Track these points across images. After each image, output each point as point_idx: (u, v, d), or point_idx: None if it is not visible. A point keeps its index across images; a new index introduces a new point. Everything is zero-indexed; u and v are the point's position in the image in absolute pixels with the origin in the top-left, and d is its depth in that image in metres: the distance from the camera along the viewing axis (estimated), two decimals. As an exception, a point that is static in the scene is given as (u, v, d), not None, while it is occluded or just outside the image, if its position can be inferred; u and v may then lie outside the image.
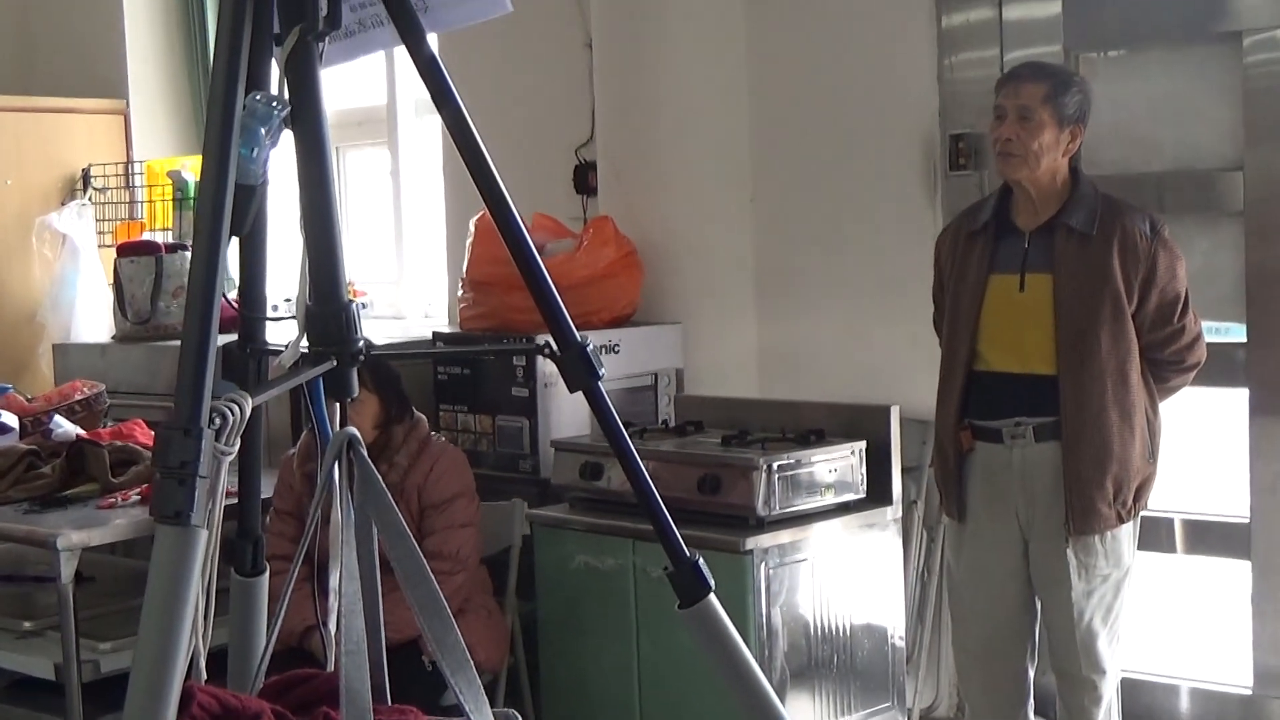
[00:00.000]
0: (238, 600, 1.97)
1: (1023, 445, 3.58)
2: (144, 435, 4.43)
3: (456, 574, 3.91)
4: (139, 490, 4.06)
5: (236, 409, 1.59)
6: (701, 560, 1.97)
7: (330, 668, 1.94)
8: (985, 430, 3.63)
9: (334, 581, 1.86)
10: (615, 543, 4.07)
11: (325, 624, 1.94)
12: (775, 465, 3.90)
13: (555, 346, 1.92)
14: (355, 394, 1.83)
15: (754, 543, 3.84)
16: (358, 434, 1.81)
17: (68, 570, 3.70)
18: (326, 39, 1.81)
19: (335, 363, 1.77)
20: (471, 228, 4.77)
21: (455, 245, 5.23)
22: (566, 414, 4.52)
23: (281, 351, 1.86)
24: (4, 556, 4.88)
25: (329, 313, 1.79)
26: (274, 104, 1.72)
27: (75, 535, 3.75)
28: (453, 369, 4.68)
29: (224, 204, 1.61)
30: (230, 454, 1.59)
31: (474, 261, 4.71)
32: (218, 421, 1.57)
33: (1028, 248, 3.59)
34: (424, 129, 5.91)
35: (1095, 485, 3.50)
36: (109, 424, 4.63)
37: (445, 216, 5.53)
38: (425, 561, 1.79)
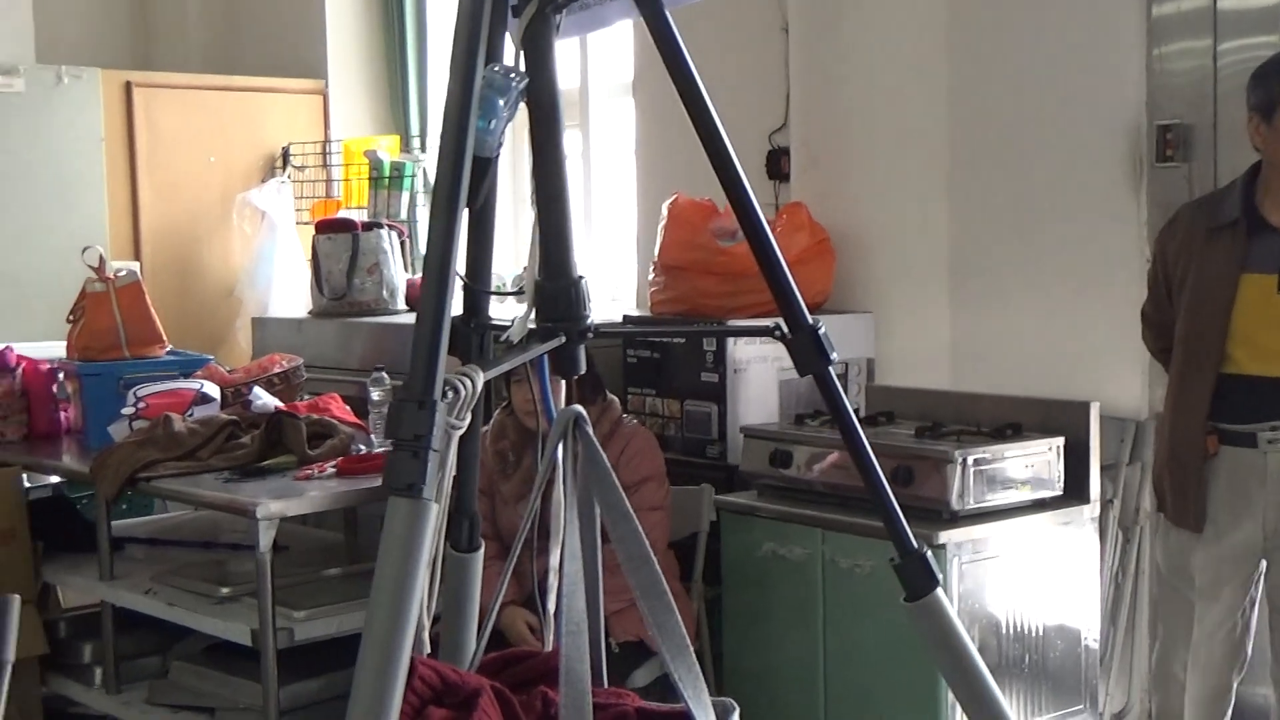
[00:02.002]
0: (453, 576, 1.97)
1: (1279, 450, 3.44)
2: (339, 409, 4.49)
3: (645, 557, 3.89)
4: (334, 463, 4.11)
5: (469, 382, 1.58)
6: (930, 553, 1.92)
7: (547, 647, 1.93)
8: (1235, 435, 3.47)
9: (553, 560, 1.84)
10: (803, 532, 4.03)
11: (544, 604, 1.93)
12: (970, 459, 3.83)
13: (785, 328, 1.88)
14: (582, 371, 1.81)
15: (947, 537, 3.76)
16: (584, 412, 1.79)
17: (266, 539, 3.75)
18: (563, 11, 1.80)
19: (564, 339, 1.76)
20: (664, 211, 4.75)
21: (646, 229, 5.22)
22: (755, 400, 4.49)
23: (505, 327, 1.84)
24: (199, 523, 5.01)
25: (559, 288, 1.78)
26: (512, 76, 1.71)
27: (274, 505, 3.79)
28: (642, 352, 4.67)
29: (462, 176, 1.60)
30: (461, 428, 1.58)
31: (666, 246, 4.70)
32: (450, 395, 1.56)
33: None
34: (616, 112, 5.91)
35: None
36: (305, 397, 4.71)
37: (636, 200, 5.52)
38: (648, 544, 1.77)
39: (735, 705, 1.81)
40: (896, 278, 4.77)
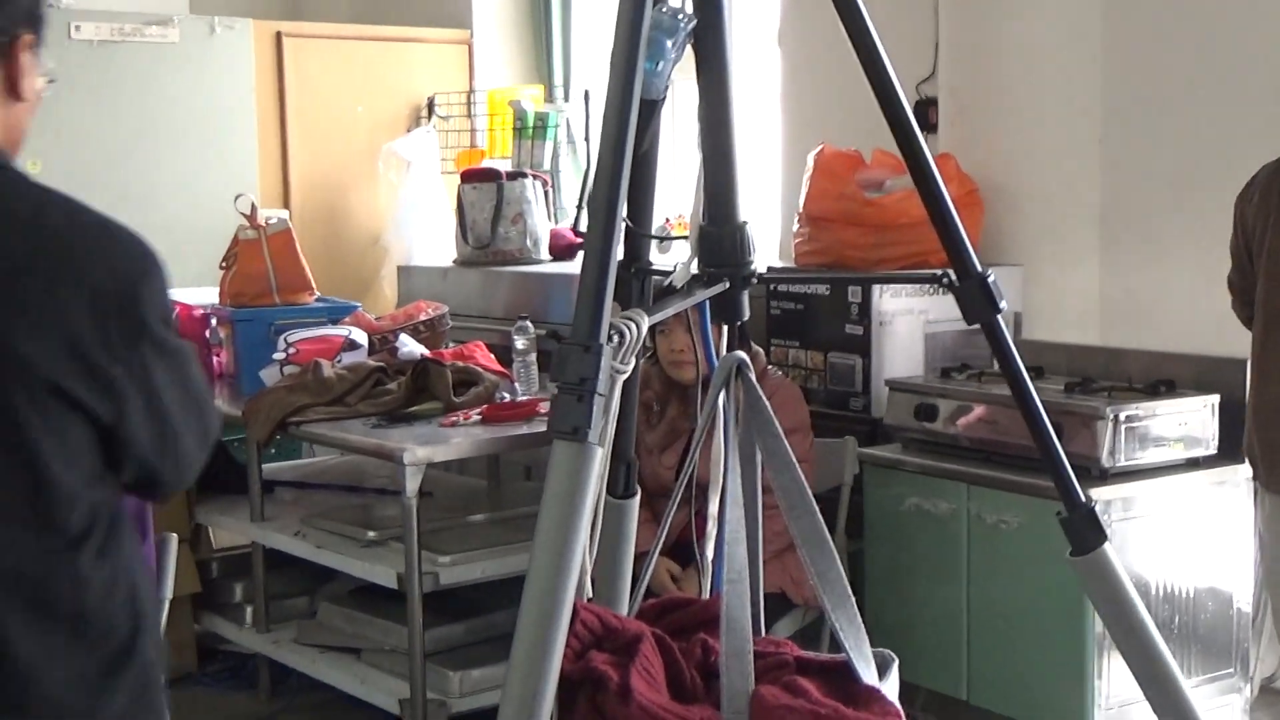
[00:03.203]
0: (610, 522, 1.96)
1: None
2: (483, 357, 4.53)
3: (788, 509, 3.88)
4: (479, 410, 4.15)
5: (634, 327, 1.57)
6: (1098, 507, 1.88)
7: (704, 594, 1.93)
8: None
9: (713, 508, 1.84)
10: (949, 486, 3.99)
11: (702, 551, 1.93)
12: (1122, 415, 3.76)
13: (954, 276, 1.85)
14: (746, 317, 1.80)
15: (1096, 494, 3.69)
16: (747, 359, 1.78)
17: (412, 484, 3.79)
18: (731, -48, 1.77)
19: (728, 285, 1.74)
20: (809, 162, 4.70)
21: (790, 180, 5.17)
22: (900, 353, 4.44)
23: (665, 272, 1.83)
24: (345, 467, 5.09)
25: (723, 233, 1.76)
26: (680, 17, 1.69)
27: (420, 451, 3.83)
28: (786, 304, 4.64)
29: (629, 118, 1.58)
30: (625, 372, 1.57)
31: (811, 196, 4.65)
32: (615, 339, 1.55)
33: None
34: (758, 61, 5.85)
35: None
36: (450, 345, 4.75)
37: (780, 151, 5.47)
38: (810, 492, 1.75)
39: (895, 657, 1.79)
40: (1046, 230, 4.68)
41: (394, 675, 4.11)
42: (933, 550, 4.03)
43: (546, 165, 6.09)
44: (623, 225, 1.59)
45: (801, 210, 4.70)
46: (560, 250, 5.65)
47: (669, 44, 1.67)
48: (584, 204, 5.88)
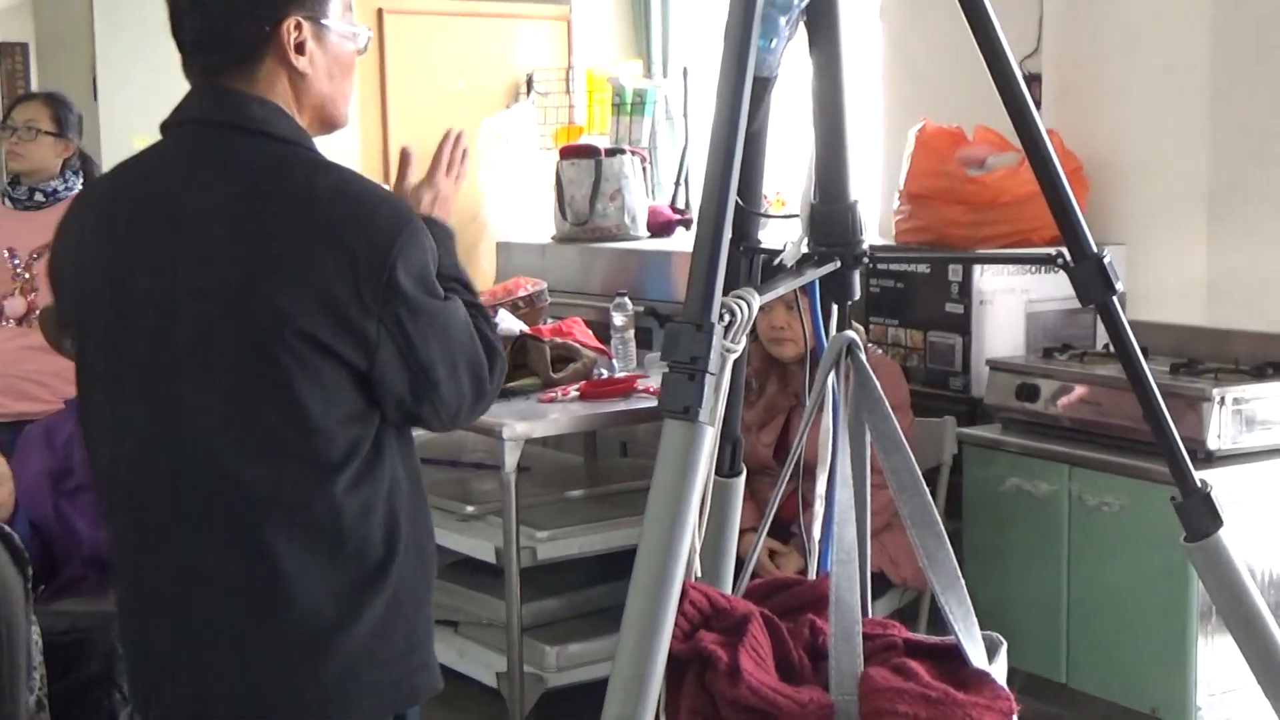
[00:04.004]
0: (716, 501, 1.96)
1: None
2: (581, 334, 4.53)
3: (886, 488, 3.85)
4: (577, 387, 4.16)
5: (745, 306, 1.56)
6: (1214, 493, 1.86)
7: (810, 575, 1.92)
8: None
9: (820, 488, 1.83)
10: (1050, 467, 3.95)
11: (809, 532, 1.92)
12: (1229, 398, 3.71)
13: (1068, 256, 1.82)
14: (856, 296, 1.78)
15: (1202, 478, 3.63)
16: (857, 338, 1.77)
17: (511, 459, 3.82)
18: (846, -73, 1.76)
19: (839, 264, 1.73)
20: (911, 139, 4.66)
21: (891, 157, 5.13)
22: (1001, 333, 4.40)
23: (773, 251, 1.82)
24: (443, 442, 5.12)
25: (834, 211, 1.74)
26: (794, -7, 1.67)
27: (519, 426, 3.86)
28: (885, 282, 4.61)
29: (743, 96, 1.56)
30: (736, 351, 1.56)
31: (913, 174, 4.61)
32: (727, 318, 1.55)
33: None
34: (862, 37, 5.80)
35: None
36: (548, 322, 4.76)
37: (881, 127, 5.42)
38: (919, 473, 1.74)
39: (1003, 640, 1.78)
40: (1151, 208, 4.61)
41: (491, 649, 4.15)
42: (1033, 532, 4.00)
43: (645, 141, 6.10)
44: (734, 203, 1.58)
45: (902, 188, 4.66)
46: (658, 227, 5.65)
47: (783, 21, 1.66)
48: (682, 180, 5.87)
